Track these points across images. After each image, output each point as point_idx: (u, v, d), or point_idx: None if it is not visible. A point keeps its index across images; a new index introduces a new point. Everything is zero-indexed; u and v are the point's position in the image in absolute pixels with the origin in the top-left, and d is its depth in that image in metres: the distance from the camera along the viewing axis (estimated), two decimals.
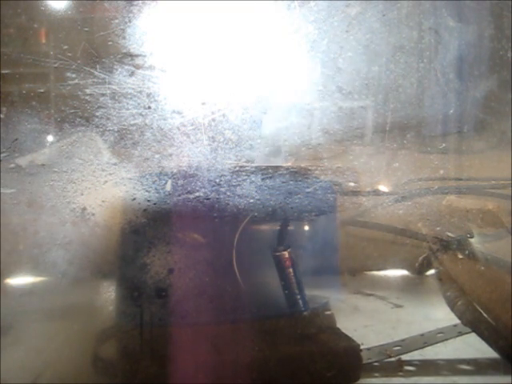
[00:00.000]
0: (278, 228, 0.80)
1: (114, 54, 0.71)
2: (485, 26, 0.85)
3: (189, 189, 0.74)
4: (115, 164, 0.74)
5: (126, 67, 0.72)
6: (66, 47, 0.71)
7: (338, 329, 0.75)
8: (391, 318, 0.91)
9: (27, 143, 0.73)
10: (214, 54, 0.73)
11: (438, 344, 0.80)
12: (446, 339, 0.80)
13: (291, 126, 0.77)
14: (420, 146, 0.87)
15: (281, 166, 0.78)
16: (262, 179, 0.76)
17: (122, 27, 0.71)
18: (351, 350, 0.71)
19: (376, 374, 0.74)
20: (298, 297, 0.78)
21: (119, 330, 0.73)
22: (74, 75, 0.71)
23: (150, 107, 0.73)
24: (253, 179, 0.76)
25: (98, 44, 0.71)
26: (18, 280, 0.80)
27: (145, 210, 0.73)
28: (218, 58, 0.73)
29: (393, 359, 0.76)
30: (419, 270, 1.01)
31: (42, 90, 0.73)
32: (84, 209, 0.74)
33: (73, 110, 0.72)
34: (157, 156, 0.74)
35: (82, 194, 0.74)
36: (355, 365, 0.71)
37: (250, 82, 0.75)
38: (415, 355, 0.78)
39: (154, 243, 0.72)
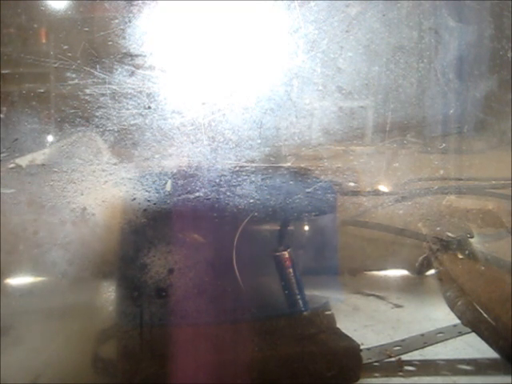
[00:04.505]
0: (278, 228, 0.80)
1: (114, 54, 0.71)
2: (485, 26, 0.85)
3: (189, 189, 0.74)
4: (115, 164, 0.74)
5: (126, 67, 0.72)
6: (66, 47, 0.71)
7: (338, 329, 0.75)
8: (391, 317, 0.91)
9: (27, 143, 0.73)
10: (213, 54, 0.73)
11: (438, 344, 0.79)
12: (446, 339, 0.80)
13: (291, 125, 0.77)
14: (420, 146, 0.87)
15: (281, 166, 0.78)
16: (262, 179, 0.76)
17: (121, 27, 0.71)
18: (351, 349, 0.71)
19: (376, 374, 0.74)
20: (298, 297, 0.78)
21: (119, 330, 0.73)
22: (74, 75, 0.71)
23: (150, 107, 0.73)
24: (253, 179, 0.76)
25: (97, 44, 0.71)
26: (18, 280, 0.80)
27: (145, 210, 0.73)
28: (218, 58, 0.73)
29: (393, 359, 0.76)
30: (419, 270, 1.01)
31: (41, 90, 0.73)
32: (84, 209, 0.74)
33: (73, 110, 0.72)
34: (157, 156, 0.74)
35: (82, 194, 0.74)
36: (355, 365, 0.71)
37: (250, 82, 0.75)
38: (415, 355, 0.78)
39: (153, 243, 0.72)
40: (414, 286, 1.02)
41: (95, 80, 0.71)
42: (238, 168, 0.75)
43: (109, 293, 0.76)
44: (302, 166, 0.79)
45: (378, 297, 0.98)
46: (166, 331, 0.71)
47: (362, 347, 0.73)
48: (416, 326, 0.86)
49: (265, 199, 0.76)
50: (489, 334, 0.75)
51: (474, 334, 0.78)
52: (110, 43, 0.71)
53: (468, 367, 0.76)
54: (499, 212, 0.94)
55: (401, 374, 0.74)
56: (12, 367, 0.70)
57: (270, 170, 0.77)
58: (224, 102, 0.74)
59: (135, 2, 0.71)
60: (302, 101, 0.77)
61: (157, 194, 0.74)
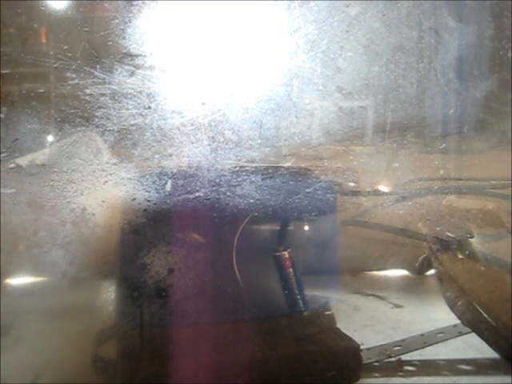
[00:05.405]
0: (278, 228, 0.80)
1: (114, 54, 0.71)
2: (485, 26, 0.85)
3: (189, 189, 0.74)
4: (115, 164, 0.74)
5: (126, 67, 0.72)
6: (66, 47, 0.71)
7: (338, 329, 0.75)
8: (391, 317, 0.91)
9: (27, 143, 0.73)
10: (213, 54, 0.73)
11: (438, 344, 0.79)
12: (446, 339, 0.80)
13: (291, 125, 0.77)
14: (420, 146, 0.87)
15: (281, 166, 0.78)
16: (262, 179, 0.76)
17: (121, 27, 0.71)
18: (351, 349, 0.71)
19: (376, 374, 0.74)
20: (298, 297, 0.78)
21: (119, 330, 0.73)
22: (74, 75, 0.71)
23: (150, 107, 0.73)
24: (253, 179, 0.76)
25: (97, 44, 0.71)
26: (18, 280, 0.80)
27: (145, 210, 0.73)
28: (218, 58, 0.73)
29: (393, 359, 0.76)
30: (419, 270, 1.01)
31: (41, 90, 0.73)
32: (84, 209, 0.74)
33: (73, 110, 0.72)
34: (157, 156, 0.74)
35: (82, 194, 0.74)
36: (355, 365, 0.71)
37: (250, 82, 0.75)
38: (415, 355, 0.78)
39: (154, 243, 0.72)
40: (414, 286, 1.02)
41: (95, 80, 0.71)
42: (238, 168, 0.75)
43: (109, 293, 0.76)
44: (302, 166, 0.79)
45: (378, 297, 0.98)
46: (166, 331, 0.71)
47: (362, 347, 0.73)
48: (416, 325, 0.86)
49: (265, 199, 0.76)
50: (489, 334, 0.75)
51: (473, 334, 0.78)
52: (110, 43, 0.71)
53: (468, 367, 0.76)
54: (499, 212, 0.94)
55: (401, 373, 0.74)
56: (12, 367, 0.70)
57: (270, 170, 0.77)
58: (224, 101, 0.74)
59: (135, 2, 0.71)
60: (302, 101, 0.77)
61: (157, 194, 0.74)
